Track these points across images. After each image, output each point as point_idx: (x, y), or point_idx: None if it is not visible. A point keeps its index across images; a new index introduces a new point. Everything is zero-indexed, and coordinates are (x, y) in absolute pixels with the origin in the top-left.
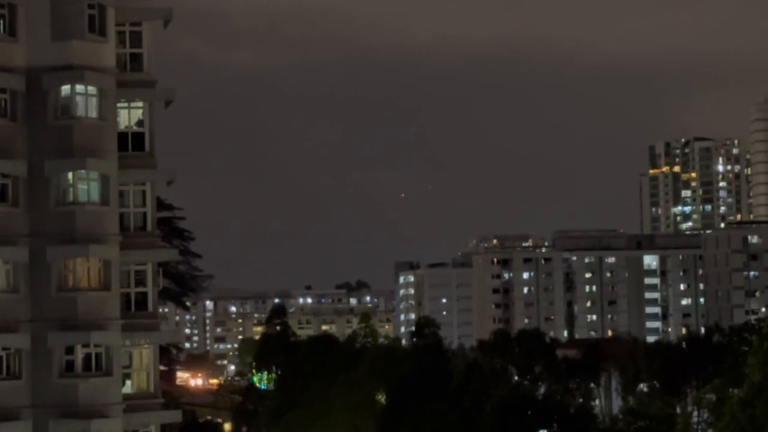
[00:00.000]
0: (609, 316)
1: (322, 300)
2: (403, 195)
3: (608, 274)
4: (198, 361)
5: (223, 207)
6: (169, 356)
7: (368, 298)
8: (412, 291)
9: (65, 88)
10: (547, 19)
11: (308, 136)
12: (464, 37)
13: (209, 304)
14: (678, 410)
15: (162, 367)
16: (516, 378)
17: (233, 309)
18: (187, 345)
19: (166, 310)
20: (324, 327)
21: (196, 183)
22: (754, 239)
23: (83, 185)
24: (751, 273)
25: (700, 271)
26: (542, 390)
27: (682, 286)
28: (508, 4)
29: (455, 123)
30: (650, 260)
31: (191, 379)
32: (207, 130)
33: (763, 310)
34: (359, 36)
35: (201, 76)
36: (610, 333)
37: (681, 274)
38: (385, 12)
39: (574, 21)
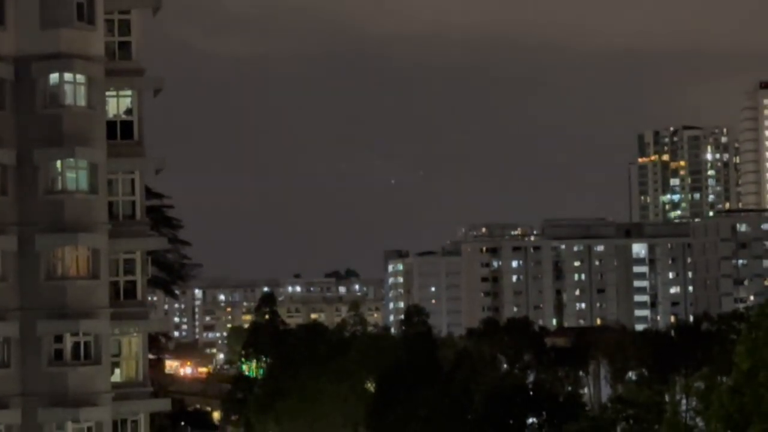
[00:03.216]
0: (598, 304)
1: (311, 288)
2: (392, 181)
3: (597, 263)
4: (187, 349)
5: (213, 195)
6: (158, 345)
7: (357, 287)
8: (401, 279)
9: (54, 77)
10: (538, 7)
11: (299, 124)
12: (456, 27)
13: (198, 292)
14: (666, 398)
15: (151, 356)
16: (505, 366)
17: (222, 297)
18: (176, 333)
19: (155, 298)
20: (313, 315)
21: (186, 171)
22: (742, 227)
23: (72, 174)
24: (740, 261)
25: (689, 260)
26: (531, 378)
27: (670, 275)
28: None
29: (446, 111)
30: (639, 249)
31: (180, 368)
32: (198, 117)
33: (752, 298)
34: (353, 24)
35: (194, 63)
36: (598, 321)
37: (670, 262)
38: (379, 1)
39: (564, 10)
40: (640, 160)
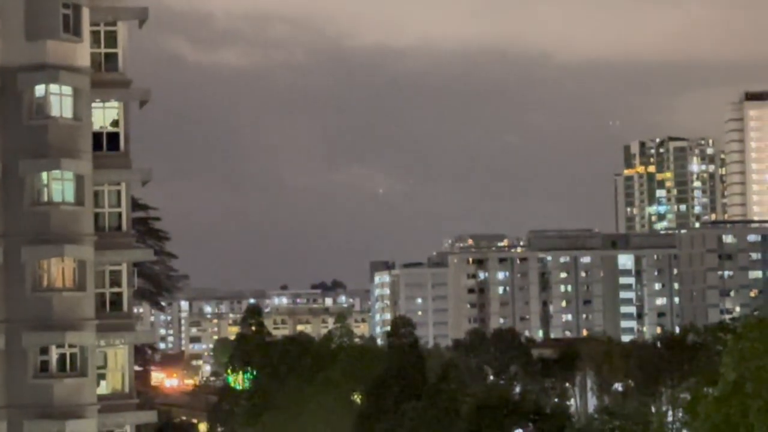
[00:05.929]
0: (584, 315)
1: (298, 300)
2: (380, 191)
3: (583, 274)
4: (173, 361)
5: (199, 207)
6: (144, 356)
7: (344, 298)
8: (387, 291)
9: (39, 88)
10: (525, 19)
11: (289, 135)
12: (444, 38)
13: (184, 304)
14: (653, 409)
15: (137, 368)
16: (491, 377)
17: (208, 309)
18: (162, 345)
19: (141, 310)
20: (299, 327)
21: (173, 182)
22: (728, 239)
23: (58, 185)
24: (726, 272)
25: (675, 271)
26: (518, 389)
27: (657, 286)
28: (487, 5)
29: (433, 122)
30: (625, 260)
31: (166, 380)
32: (185, 129)
33: (738, 309)
34: (342, 36)
35: (183, 75)
36: (585, 332)
37: (656, 273)
38: (367, 13)
39: (551, 21)
40: (626, 171)
